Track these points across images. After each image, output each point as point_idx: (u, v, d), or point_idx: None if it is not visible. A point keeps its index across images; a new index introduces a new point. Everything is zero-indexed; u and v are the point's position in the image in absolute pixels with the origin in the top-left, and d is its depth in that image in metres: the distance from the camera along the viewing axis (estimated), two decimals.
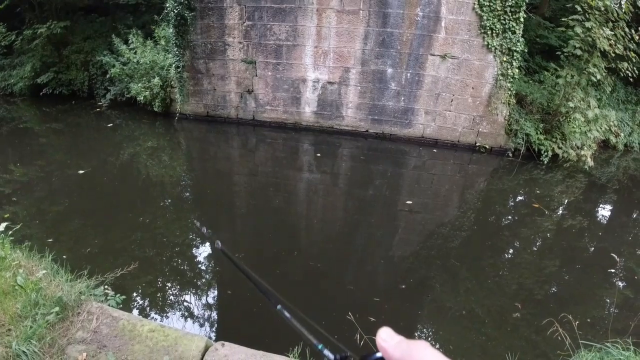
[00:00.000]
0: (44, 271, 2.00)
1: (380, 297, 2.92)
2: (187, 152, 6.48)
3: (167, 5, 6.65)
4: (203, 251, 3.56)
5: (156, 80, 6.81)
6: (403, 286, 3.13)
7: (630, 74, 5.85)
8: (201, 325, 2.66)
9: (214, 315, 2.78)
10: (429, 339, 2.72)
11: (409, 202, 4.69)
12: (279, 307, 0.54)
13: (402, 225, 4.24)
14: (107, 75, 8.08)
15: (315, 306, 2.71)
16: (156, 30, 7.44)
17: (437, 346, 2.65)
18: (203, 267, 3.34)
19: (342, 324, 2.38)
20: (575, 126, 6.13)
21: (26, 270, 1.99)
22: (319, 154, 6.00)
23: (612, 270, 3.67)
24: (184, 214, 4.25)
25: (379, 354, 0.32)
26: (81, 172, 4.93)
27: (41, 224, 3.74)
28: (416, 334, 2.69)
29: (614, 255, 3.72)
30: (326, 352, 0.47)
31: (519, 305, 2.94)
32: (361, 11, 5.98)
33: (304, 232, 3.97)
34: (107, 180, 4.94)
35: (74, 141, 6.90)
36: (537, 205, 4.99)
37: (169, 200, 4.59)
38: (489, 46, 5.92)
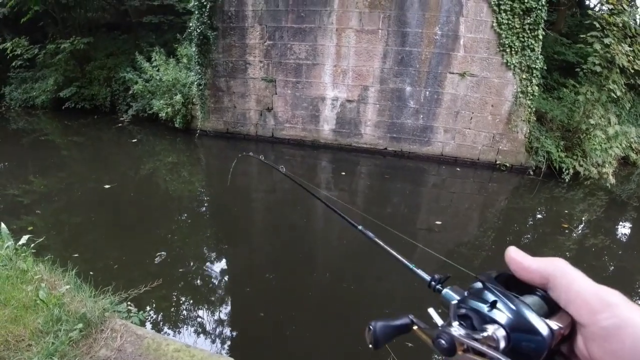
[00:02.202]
0: (67, 286, 1.96)
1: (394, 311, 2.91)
2: (206, 168, 6.60)
3: (190, 24, 6.87)
4: (229, 269, 3.59)
5: (178, 97, 7.00)
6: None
7: None
8: (226, 346, 2.65)
9: (240, 336, 2.77)
10: None
11: (438, 222, 4.65)
12: (360, 227, 0.52)
13: (422, 243, 4.22)
14: (130, 92, 8.33)
15: (339, 329, 2.71)
16: (178, 49, 7.68)
17: None
18: (229, 286, 3.36)
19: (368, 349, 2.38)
20: (595, 143, 6.06)
21: (48, 285, 1.95)
22: (343, 173, 6.03)
23: (636, 292, 3.58)
24: (207, 230, 4.31)
25: (508, 273, 0.30)
26: (107, 186, 5.04)
27: (64, 238, 3.77)
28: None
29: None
30: (420, 272, 0.45)
31: None
32: (380, 30, 6.08)
33: (323, 250, 3.98)
34: (131, 195, 5.03)
35: (96, 155, 7.10)
36: (565, 225, 4.93)
37: (192, 216, 4.67)
38: (508, 64, 5.93)
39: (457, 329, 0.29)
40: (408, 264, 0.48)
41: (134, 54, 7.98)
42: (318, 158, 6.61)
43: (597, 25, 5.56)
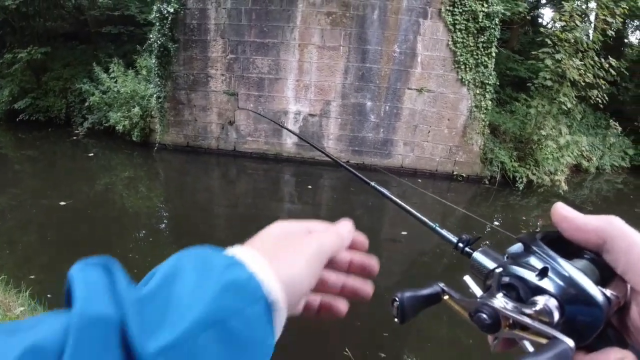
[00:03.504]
0: (22, 308, 1.92)
1: (362, 321, 2.87)
2: (165, 183, 6.35)
3: (151, 36, 6.71)
4: None
5: (136, 109, 6.76)
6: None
7: (600, 101, 6.20)
8: None
9: None
10: None
11: (404, 232, 4.67)
12: (373, 183, 0.47)
13: (385, 255, 4.23)
14: (86, 104, 7.97)
15: (310, 342, 2.60)
16: (138, 60, 7.46)
17: None
18: None
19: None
20: (547, 153, 6.41)
21: (3, 306, 1.90)
22: (309, 186, 5.99)
23: None
24: (168, 248, 4.10)
25: (554, 231, 0.26)
26: (62, 203, 4.73)
27: (17, 257, 3.55)
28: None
29: None
30: (445, 232, 0.38)
31: None
32: (341, 47, 6.21)
33: None
34: (87, 212, 4.75)
35: (50, 170, 6.70)
36: (524, 231, 5.09)
37: (152, 234, 4.45)
38: (463, 80, 6.21)
39: (501, 301, 0.25)
40: (430, 222, 0.42)
41: (91, 64, 7.69)
42: (281, 172, 6.55)
43: (549, 42, 5.92)
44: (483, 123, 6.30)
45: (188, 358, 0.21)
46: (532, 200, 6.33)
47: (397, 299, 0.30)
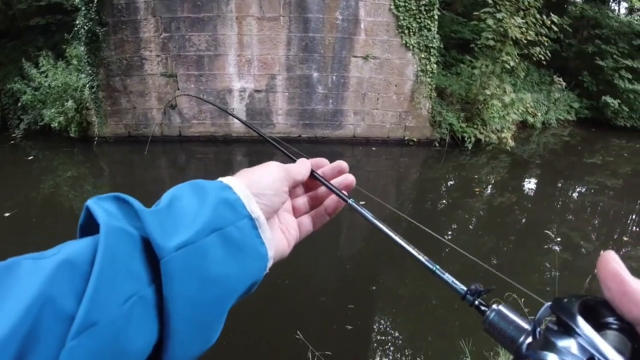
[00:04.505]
0: None
1: (327, 296, 2.85)
2: (112, 178, 6.02)
3: (77, 22, 6.20)
4: None
5: (69, 103, 6.30)
6: (372, 287, 3.08)
7: (543, 58, 6.35)
8: None
9: None
10: (387, 327, 2.69)
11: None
12: (351, 200, 0.41)
13: (347, 224, 4.22)
14: (19, 104, 7.37)
15: (265, 324, 2.55)
16: (67, 50, 6.91)
17: (396, 334, 2.64)
18: None
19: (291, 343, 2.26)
20: (493, 111, 6.57)
21: None
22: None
23: (548, 240, 3.88)
24: None
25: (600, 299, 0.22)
26: (7, 214, 4.36)
27: None
28: (376, 325, 2.66)
29: (548, 232, 3.95)
30: (448, 277, 0.31)
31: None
32: (281, 17, 5.98)
33: None
34: (33, 221, 4.42)
35: None
36: (477, 190, 5.25)
37: None
38: (407, 45, 6.18)
39: None
40: (430, 264, 0.33)
41: (21, 61, 7.07)
42: (232, 153, 6.37)
43: (490, 2, 5.95)
44: (430, 87, 6.34)
45: (200, 254, 0.26)
46: (482, 159, 6.51)
47: None
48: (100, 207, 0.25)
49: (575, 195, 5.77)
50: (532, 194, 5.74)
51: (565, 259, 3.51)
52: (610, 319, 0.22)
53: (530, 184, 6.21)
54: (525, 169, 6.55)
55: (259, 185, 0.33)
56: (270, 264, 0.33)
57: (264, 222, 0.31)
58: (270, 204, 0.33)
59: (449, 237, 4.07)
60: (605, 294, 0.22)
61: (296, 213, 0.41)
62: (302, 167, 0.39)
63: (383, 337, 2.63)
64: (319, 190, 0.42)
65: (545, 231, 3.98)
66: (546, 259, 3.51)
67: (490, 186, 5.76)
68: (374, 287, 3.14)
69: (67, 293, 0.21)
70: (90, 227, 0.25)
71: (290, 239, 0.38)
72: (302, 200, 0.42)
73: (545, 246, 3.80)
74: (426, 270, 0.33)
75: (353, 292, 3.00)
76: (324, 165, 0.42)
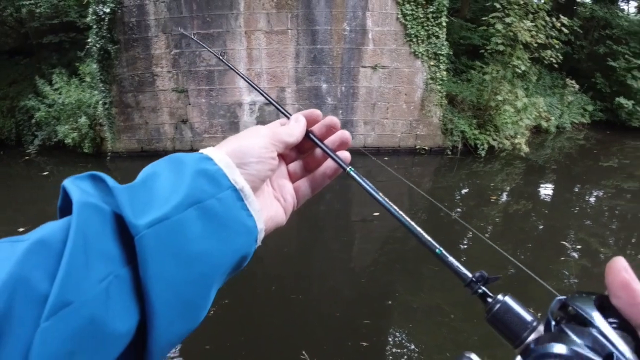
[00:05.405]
0: None
1: (341, 311, 2.80)
2: None
3: (89, 40, 6.34)
4: None
5: (83, 119, 6.42)
6: (388, 301, 3.03)
7: (554, 61, 6.26)
8: None
9: None
10: (402, 339, 2.63)
11: (375, 213, 4.63)
12: (349, 169, 0.39)
13: (359, 235, 4.19)
14: (33, 120, 7.54)
15: (269, 337, 2.51)
16: (81, 67, 7.07)
17: (412, 346, 2.58)
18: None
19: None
20: (506, 117, 6.47)
21: None
22: None
23: (566, 247, 3.78)
24: None
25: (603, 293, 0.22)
26: (21, 229, 4.43)
27: None
28: (390, 337, 2.60)
29: (564, 242, 3.85)
30: (452, 260, 0.29)
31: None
32: (289, 30, 6.02)
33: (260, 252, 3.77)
34: None
35: (5, 194, 6.30)
36: (494, 198, 5.16)
37: None
38: (416, 53, 6.15)
39: None
40: (433, 245, 0.31)
41: (35, 78, 7.26)
42: None
43: (498, 6, 5.90)
44: (440, 94, 6.29)
45: (176, 230, 0.25)
46: (496, 166, 6.40)
47: None
48: (76, 186, 0.25)
49: (592, 199, 5.62)
50: (549, 200, 5.61)
51: (583, 265, 3.41)
52: (613, 319, 0.21)
53: (546, 190, 6.07)
54: (541, 175, 6.41)
55: (242, 154, 0.30)
56: (261, 236, 0.31)
57: (249, 193, 0.29)
58: (255, 173, 0.31)
59: (464, 246, 4.00)
60: (612, 301, 0.21)
61: (292, 177, 0.38)
62: (294, 129, 0.35)
63: (399, 350, 2.57)
64: (316, 150, 0.38)
65: (562, 242, 3.88)
66: (564, 266, 3.41)
67: (506, 193, 5.64)
68: (390, 302, 3.08)
69: (40, 273, 0.20)
70: (69, 208, 0.24)
71: (287, 207, 0.36)
72: (299, 164, 0.38)
73: (563, 253, 3.70)
74: (432, 254, 0.31)
75: (368, 306, 2.95)
76: (317, 119, 0.38)
